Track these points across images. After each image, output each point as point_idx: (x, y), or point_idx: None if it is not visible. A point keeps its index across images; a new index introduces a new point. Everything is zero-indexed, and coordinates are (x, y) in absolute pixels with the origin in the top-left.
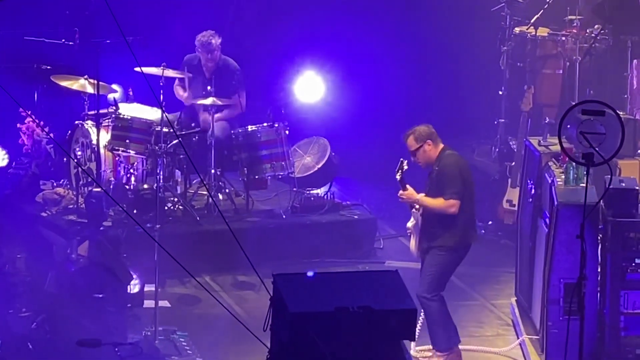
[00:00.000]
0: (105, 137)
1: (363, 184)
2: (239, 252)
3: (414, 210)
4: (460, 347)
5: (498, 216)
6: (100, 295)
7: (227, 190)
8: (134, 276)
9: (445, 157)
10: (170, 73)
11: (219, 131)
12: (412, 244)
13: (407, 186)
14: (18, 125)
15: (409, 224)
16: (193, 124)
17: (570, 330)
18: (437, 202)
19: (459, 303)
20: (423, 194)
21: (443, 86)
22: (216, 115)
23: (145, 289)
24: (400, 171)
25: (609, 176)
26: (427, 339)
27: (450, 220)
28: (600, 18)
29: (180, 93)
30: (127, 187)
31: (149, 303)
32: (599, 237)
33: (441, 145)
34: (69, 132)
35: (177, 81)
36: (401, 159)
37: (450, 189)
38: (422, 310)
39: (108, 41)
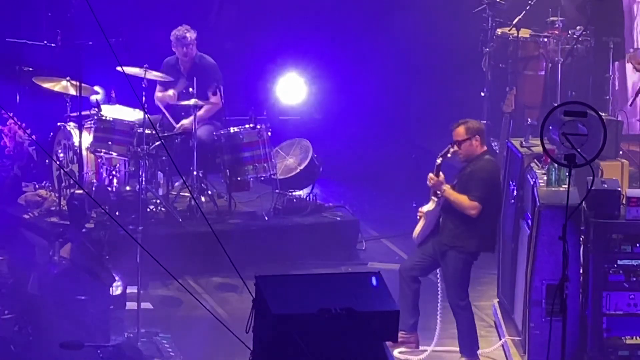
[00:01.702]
0: (87, 138)
1: (345, 185)
2: (222, 254)
3: (434, 197)
4: (443, 348)
5: None
6: (83, 297)
7: (209, 192)
8: (117, 278)
9: (483, 160)
10: (152, 75)
11: (202, 133)
12: (418, 227)
13: (441, 173)
14: (0, 127)
15: (423, 208)
16: (176, 126)
17: (553, 331)
18: (461, 198)
19: (441, 304)
20: (449, 186)
21: (425, 88)
22: (200, 112)
23: (128, 290)
24: (443, 156)
25: (591, 177)
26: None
27: (476, 225)
28: (584, 16)
29: (160, 95)
30: (110, 189)
31: (131, 305)
32: (581, 239)
33: (485, 148)
34: (51, 134)
35: (157, 88)
36: (449, 145)
37: (477, 191)
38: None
39: (90, 43)
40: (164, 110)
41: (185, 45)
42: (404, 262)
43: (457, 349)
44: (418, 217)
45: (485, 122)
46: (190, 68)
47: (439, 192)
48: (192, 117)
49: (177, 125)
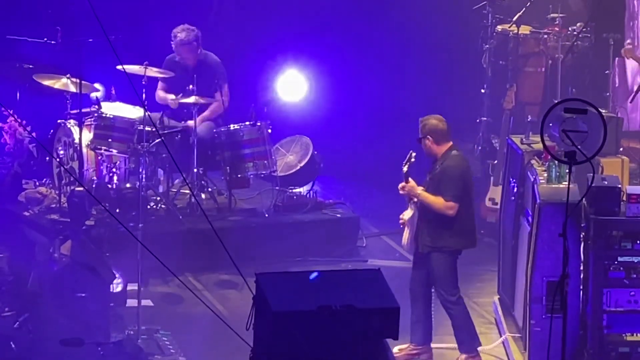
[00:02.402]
0: (87, 136)
1: (346, 182)
2: (222, 251)
3: (411, 203)
4: (443, 345)
5: (480, 214)
6: (83, 295)
7: (209, 189)
8: (117, 275)
9: (449, 157)
10: (152, 72)
11: (202, 130)
12: (405, 236)
13: (410, 179)
14: (0, 124)
15: (404, 215)
16: (181, 122)
17: (553, 328)
18: (437, 201)
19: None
20: (422, 189)
21: (425, 84)
22: (199, 116)
23: (128, 288)
24: (407, 163)
25: (592, 174)
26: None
27: (451, 223)
28: (587, 9)
29: (162, 96)
30: (110, 186)
31: (131, 302)
32: (581, 235)
33: (448, 144)
34: (52, 131)
35: (159, 85)
36: (410, 151)
37: (451, 191)
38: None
39: (90, 40)
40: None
41: (184, 44)
42: (439, 294)
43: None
44: (401, 226)
45: (485, 118)
46: (194, 65)
47: (414, 198)
48: (197, 118)
49: (182, 123)
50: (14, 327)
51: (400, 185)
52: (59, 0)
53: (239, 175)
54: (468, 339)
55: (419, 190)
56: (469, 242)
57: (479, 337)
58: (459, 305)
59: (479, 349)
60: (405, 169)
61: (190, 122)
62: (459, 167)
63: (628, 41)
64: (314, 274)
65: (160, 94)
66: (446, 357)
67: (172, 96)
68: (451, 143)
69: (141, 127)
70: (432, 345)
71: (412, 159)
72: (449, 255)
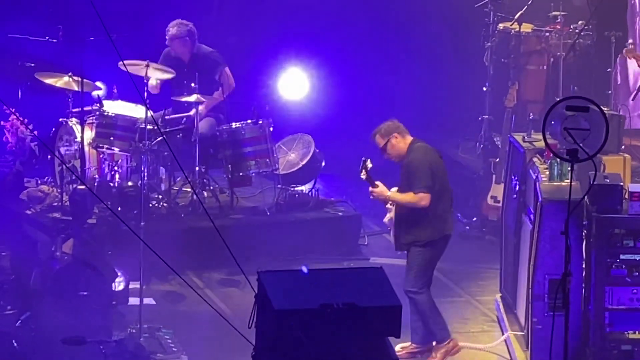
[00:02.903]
0: (89, 134)
1: (347, 180)
2: (224, 249)
3: (388, 205)
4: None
5: (482, 212)
6: (85, 293)
7: (211, 188)
8: (119, 274)
9: (414, 149)
10: (154, 70)
11: (204, 128)
12: (393, 237)
13: (377, 183)
14: (2, 123)
15: (386, 220)
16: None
17: (555, 326)
18: (407, 197)
19: (443, 300)
20: (396, 189)
21: (427, 83)
22: (200, 107)
23: (130, 286)
24: (364, 170)
25: (594, 172)
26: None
27: (423, 215)
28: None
29: (153, 84)
30: (112, 184)
31: (133, 300)
32: (583, 233)
33: (410, 138)
34: (53, 129)
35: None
36: (363, 158)
37: (419, 182)
38: (412, 306)
39: (92, 38)
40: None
41: (176, 38)
42: (404, 283)
43: (467, 344)
44: (388, 229)
45: (487, 116)
46: (189, 61)
47: (386, 201)
48: (195, 110)
49: (183, 121)
50: (16, 326)
51: (370, 190)
52: None
53: (241, 174)
54: (437, 328)
55: (388, 193)
56: (441, 232)
57: (482, 335)
58: (421, 294)
59: (480, 346)
60: (363, 176)
61: (191, 113)
62: (425, 156)
63: (630, 41)
64: (304, 269)
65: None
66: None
67: (153, 81)
68: (412, 137)
69: (143, 125)
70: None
71: (369, 164)
72: (423, 247)
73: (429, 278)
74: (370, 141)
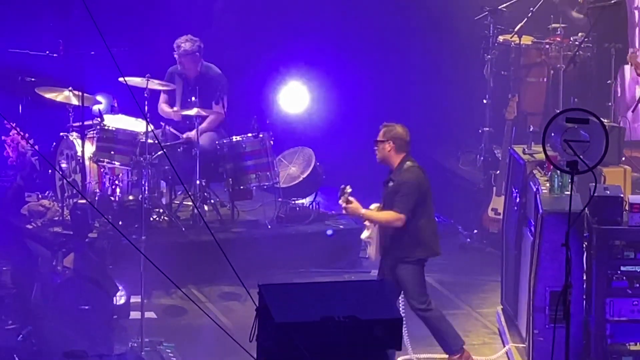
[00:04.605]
0: (90, 148)
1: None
2: (225, 263)
3: (366, 222)
4: (447, 357)
5: (483, 225)
6: (86, 307)
7: (212, 201)
8: (120, 287)
9: (405, 170)
10: (154, 84)
11: (204, 142)
12: (372, 250)
13: (351, 199)
14: (3, 137)
15: (363, 236)
16: (180, 135)
17: (556, 338)
18: (383, 215)
19: (444, 312)
20: (377, 205)
21: (427, 95)
22: (200, 127)
23: (131, 300)
24: (343, 197)
25: (594, 184)
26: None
27: (416, 234)
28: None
29: (167, 110)
30: (112, 198)
31: (135, 314)
32: (584, 245)
33: (402, 154)
34: (54, 144)
35: (162, 98)
36: (342, 186)
37: (405, 204)
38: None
39: (92, 53)
40: (169, 114)
41: (187, 54)
42: (409, 303)
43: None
44: (363, 244)
45: (488, 128)
46: (195, 78)
47: (360, 218)
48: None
49: (183, 136)
50: (17, 340)
51: (343, 207)
52: (61, 13)
53: (242, 187)
54: (451, 341)
55: (362, 210)
56: (433, 251)
57: (483, 347)
58: (429, 311)
59: (482, 359)
60: (342, 202)
61: (191, 134)
62: (417, 179)
63: (632, 50)
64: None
65: (163, 107)
66: None
67: (175, 108)
68: (404, 154)
69: (143, 139)
70: (423, 355)
71: (348, 190)
72: (414, 265)
73: (426, 289)
74: (371, 153)
